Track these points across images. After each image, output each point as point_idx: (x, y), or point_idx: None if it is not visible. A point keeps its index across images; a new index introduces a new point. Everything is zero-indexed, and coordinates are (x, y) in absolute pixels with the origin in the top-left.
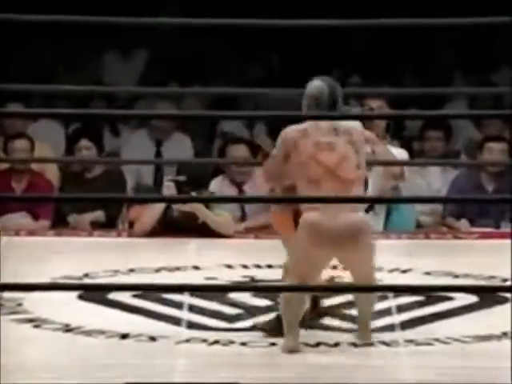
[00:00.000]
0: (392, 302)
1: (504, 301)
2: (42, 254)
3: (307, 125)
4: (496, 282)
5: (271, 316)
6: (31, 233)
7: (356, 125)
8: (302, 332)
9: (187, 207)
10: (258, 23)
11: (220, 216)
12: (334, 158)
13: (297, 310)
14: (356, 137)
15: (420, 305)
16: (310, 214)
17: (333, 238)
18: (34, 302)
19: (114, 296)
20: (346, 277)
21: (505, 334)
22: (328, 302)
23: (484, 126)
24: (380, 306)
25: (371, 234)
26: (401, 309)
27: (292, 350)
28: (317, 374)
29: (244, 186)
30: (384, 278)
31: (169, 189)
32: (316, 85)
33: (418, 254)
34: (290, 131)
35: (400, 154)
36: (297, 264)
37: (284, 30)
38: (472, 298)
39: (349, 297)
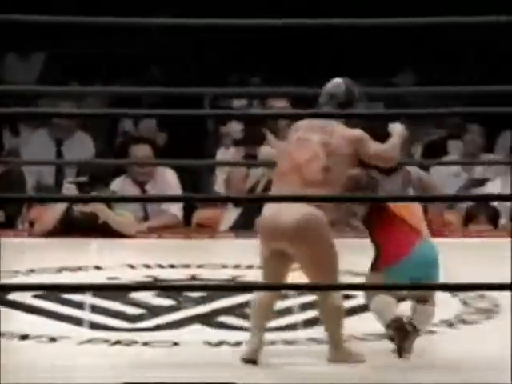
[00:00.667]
0: (294, 300)
1: (403, 299)
2: None
3: (304, 120)
4: None
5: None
6: None
7: (347, 129)
8: (206, 330)
9: (89, 207)
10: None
11: (122, 216)
12: (305, 155)
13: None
14: (334, 139)
15: None
16: (264, 211)
17: (278, 232)
18: None
19: (13, 297)
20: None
21: None
22: (231, 300)
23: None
24: (282, 304)
25: (325, 231)
26: (304, 307)
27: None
28: (218, 374)
29: (146, 186)
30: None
31: (69, 190)
32: (333, 82)
33: None
34: (298, 123)
35: None
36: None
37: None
38: None
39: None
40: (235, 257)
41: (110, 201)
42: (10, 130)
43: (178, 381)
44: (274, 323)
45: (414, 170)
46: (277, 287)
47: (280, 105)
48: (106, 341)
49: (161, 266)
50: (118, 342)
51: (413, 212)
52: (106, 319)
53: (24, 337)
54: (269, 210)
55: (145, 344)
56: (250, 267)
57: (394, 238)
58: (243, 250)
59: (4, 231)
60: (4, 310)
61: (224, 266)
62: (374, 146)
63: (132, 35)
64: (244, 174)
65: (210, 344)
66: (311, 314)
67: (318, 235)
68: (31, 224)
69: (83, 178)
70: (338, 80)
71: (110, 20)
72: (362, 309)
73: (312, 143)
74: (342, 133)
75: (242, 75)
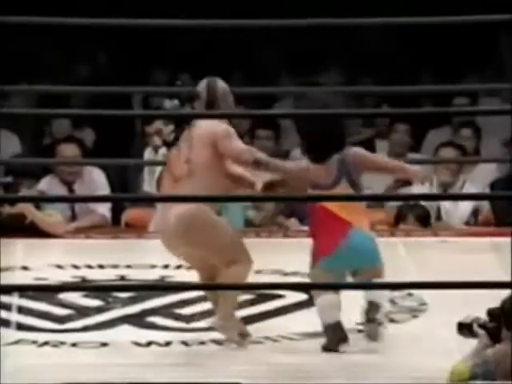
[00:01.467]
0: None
1: None
2: None
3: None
4: None
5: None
6: None
7: (209, 123)
8: (135, 330)
9: (16, 207)
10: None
11: (50, 216)
12: (174, 155)
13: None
14: (196, 133)
15: (251, 303)
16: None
17: (166, 235)
18: None
19: None
20: None
21: None
22: (160, 301)
23: None
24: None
25: (205, 226)
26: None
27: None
28: (144, 374)
29: (74, 185)
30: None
31: None
32: (201, 82)
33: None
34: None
35: None
36: None
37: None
38: (302, 296)
39: (181, 296)
40: (164, 257)
41: (37, 201)
42: None
43: (104, 381)
44: (204, 323)
45: (352, 151)
46: (206, 287)
47: None
48: (34, 342)
49: (89, 267)
50: (45, 343)
51: (342, 203)
52: (34, 320)
53: None
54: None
55: (73, 345)
56: (178, 267)
57: (324, 230)
58: None
59: None
60: None
61: (153, 266)
62: (233, 144)
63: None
64: None
65: (138, 344)
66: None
67: (199, 227)
68: None
69: (9, 178)
70: (204, 80)
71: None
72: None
73: (181, 141)
74: (204, 126)
75: (170, 73)
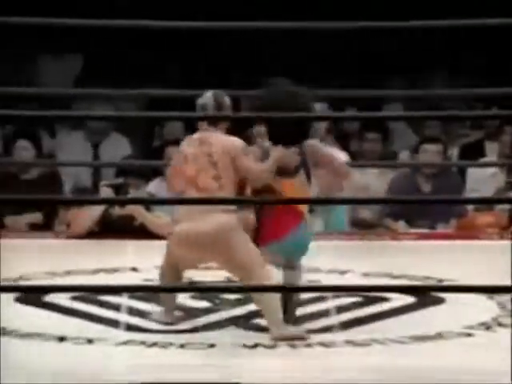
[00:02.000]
0: (331, 303)
1: (440, 301)
2: None
3: (188, 138)
4: (431, 283)
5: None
6: None
7: (225, 139)
8: (240, 333)
9: (126, 209)
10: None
11: (159, 218)
12: (194, 169)
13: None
14: (215, 149)
15: (358, 306)
16: (179, 226)
17: (200, 244)
18: None
19: (51, 298)
20: None
21: (439, 334)
22: None
23: (421, 128)
24: (319, 307)
25: (240, 234)
26: (340, 310)
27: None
28: (253, 376)
29: None
30: (322, 279)
31: (105, 192)
32: (204, 95)
33: (356, 255)
34: (185, 144)
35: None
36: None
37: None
38: (409, 299)
39: None
40: None
41: (147, 203)
42: (47, 132)
43: (214, 382)
44: (310, 325)
45: (308, 143)
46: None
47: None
48: (143, 343)
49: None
50: (154, 344)
51: (297, 195)
52: (143, 321)
53: (62, 338)
54: (184, 225)
55: (181, 346)
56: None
57: (278, 218)
58: None
59: (42, 233)
60: (41, 311)
61: None
62: (246, 162)
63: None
64: None
65: (245, 346)
66: (347, 316)
67: (234, 241)
68: (68, 226)
69: (120, 180)
70: (208, 93)
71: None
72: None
73: (198, 156)
74: (220, 142)
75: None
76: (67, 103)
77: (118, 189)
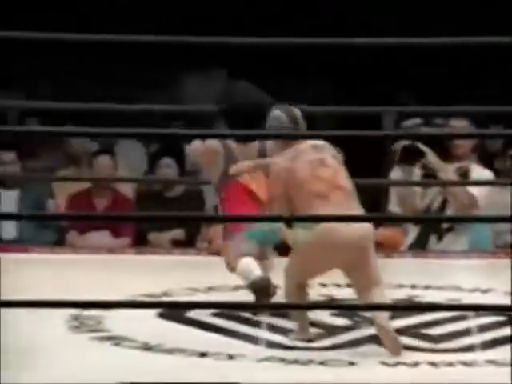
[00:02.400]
0: (472, 322)
1: None
2: (122, 273)
3: (286, 151)
4: None
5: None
6: (111, 251)
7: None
8: (381, 351)
9: None
10: None
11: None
12: (330, 171)
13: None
14: (333, 152)
15: (500, 325)
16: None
17: (347, 246)
18: (114, 320)
19: (193, 314)
20: None
21: None
22: (407, 321)
23: None
24: (460, 326)
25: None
26: (482, 329)
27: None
28: None
29: None
30: (465, 298)
31: None
32: (281, 107)
33: (499, 273)
34: (278, 165)
35: (485, 175)
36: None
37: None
38: None
39: (426, 317)
40: (412, 277)
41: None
42: None
43: None
44: (452, 344)
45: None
46: None
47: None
48: (283, 359)
49: (337, 285)
50: (295, 361)
51: (261, 184)
52: (282, 338)
53: (203, 354)
54: (337, 225)
55: (321, 363)
56: (426, 288)
57: (243, 205)
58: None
59: (185, 249)
60: (183, 327)
61: (400, 286)
62: None
63: None
64: (417, 193)
65: (386, 364)
66: (490, 335)
67: (372, 249)
68: (210, 242)
69: None
70: (281, 108)
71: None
72: None
73: (327, 160)
74: (328, 148)
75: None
76: (211, 120)
77: None
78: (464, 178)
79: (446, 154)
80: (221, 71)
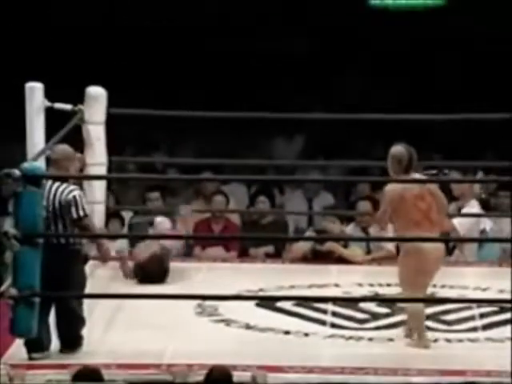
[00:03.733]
0: (475, 310)
1: None
2: (231, 275)
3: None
4: None
5: None
6: (224, 260)
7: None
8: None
9: (327, 245)
10: None
11: (353, 251)
12: (425, 205)
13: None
14: (433, 189)
15: (496, 312)
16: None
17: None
18: (226, 308)
19: (280, 304)
20: None
21: None
22: (429, 310)
23: None
24: (466, 313)
25: None
26: (482, 315)
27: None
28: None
29: (369, 229)
30: (469, 294)
31: (310, 232)
32: (398, 148)
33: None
34: (393, 188)
35: (473, 210)
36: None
37: None
38: None
39: (443, 307)
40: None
41: (346, 240)
42: (279, 191)
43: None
44: (461, 326)
45: None
46: None
47: None
48: (342, 336)
49: (380, 285)
50: (350, 338)
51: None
52: (342, 321)
53: (287, 332)
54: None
55: (369, 339)
56: (443, 286)
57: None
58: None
59: (274, 259)
60: (274, 314)
61: None
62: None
63: None
64: None
65: None
66: (488, 320)
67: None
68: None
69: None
70: (400, 146)
71: None
72: None
73: (426, 196)
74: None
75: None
76: (292, 171)
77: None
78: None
79: (449, 194)
80: (301, 136)
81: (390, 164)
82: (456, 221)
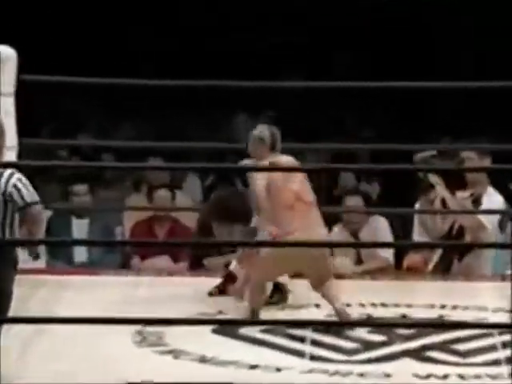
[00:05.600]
0: (497, 338)
1: None
2: (179, 293)
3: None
4: None
5: None
6: (171, 274)
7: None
8: (414, 364)
9: None
10: None
11: (339, 261)
12: (297, 185)
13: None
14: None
15: None
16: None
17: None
18: (174, 336)
19: (244, 330)
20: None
21: None
22: (438, 337)
23: None
24: (485, 342)
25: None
26: (505, 345)
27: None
28: None
29: (359, 234)
30: (488, 318)
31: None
32: (259, 127)
33: None
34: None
35: (496, 200)
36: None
37: None
38: None
39: (457, 333)
40: (442, 298)
41: (329, 246)
42: (242, 183)
43: None
44: (478, 359)
45: None
46: None
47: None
48: (325, 371)
49: (373, 305)
50: (336, 373)
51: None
52: (325, 352)
53: (253, 366)
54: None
55: (360, 375)
56: (454, 308)
57: None
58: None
59: None
60: (234, 342)
61: (432, 306)
62: None
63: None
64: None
65: (418, 376)
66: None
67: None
68: None
69: None
70: (263, 126)
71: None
72: None
73: (296, 175)
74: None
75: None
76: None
77: None
78: (475, 204)
79: (461, 180)
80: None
81: (252, 145)
82: (482, 216)
